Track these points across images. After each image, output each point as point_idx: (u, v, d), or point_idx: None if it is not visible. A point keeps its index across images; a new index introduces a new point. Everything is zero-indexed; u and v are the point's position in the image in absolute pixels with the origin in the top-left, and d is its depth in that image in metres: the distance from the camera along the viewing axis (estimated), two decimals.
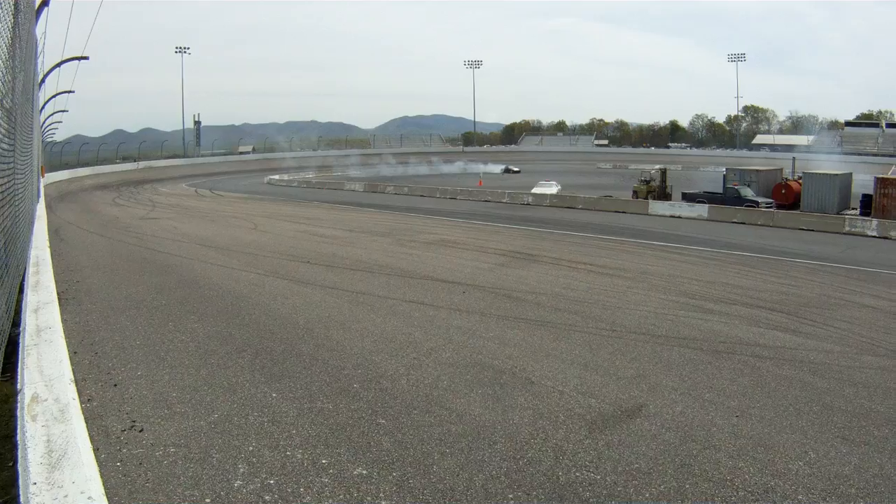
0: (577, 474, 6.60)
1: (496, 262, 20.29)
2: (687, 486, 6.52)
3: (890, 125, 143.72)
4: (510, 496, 6.12)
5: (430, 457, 6.78)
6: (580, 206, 47.72)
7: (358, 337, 11.30)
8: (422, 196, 56.56)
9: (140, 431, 7.29)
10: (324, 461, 6.63)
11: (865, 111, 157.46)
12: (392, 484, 6.24)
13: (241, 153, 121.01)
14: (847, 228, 37.39)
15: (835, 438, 7.93)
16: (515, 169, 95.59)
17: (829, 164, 77.69)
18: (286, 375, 9.27)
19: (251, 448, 6.92)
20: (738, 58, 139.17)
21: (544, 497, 6.15)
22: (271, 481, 6.27)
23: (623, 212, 45.13)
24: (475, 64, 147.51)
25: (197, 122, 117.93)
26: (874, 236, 35.86)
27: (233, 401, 8.26)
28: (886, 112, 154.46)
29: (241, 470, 6.47)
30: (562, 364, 10.22)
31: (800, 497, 6.44)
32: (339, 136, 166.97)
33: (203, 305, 13.52)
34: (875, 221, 37.71)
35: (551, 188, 58.12)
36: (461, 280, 16.89)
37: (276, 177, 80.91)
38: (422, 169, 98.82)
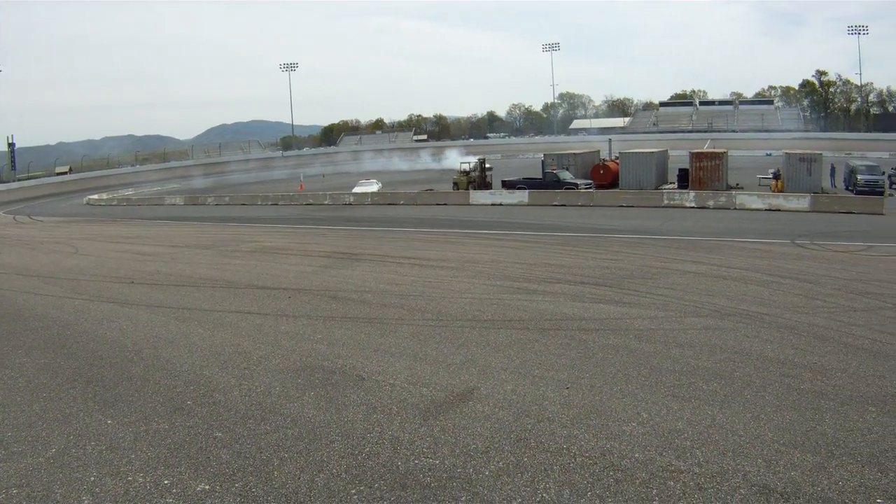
0: (416, 462, 6.77)
1: (321, 265, 20.46)
2: (525, 460, 6.74)
3: (703, 103, 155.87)
4: (353, 492, 6.22)
5: (270, 463, 6.85)
6: (402, 202, 48.71)
7: (187, 353, 11.11)
8: (243, 205, 56.73)
9: None
10: (166, 482, 6.58)
11: (679, 91, 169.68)
12: (235, 495, 6.27)
13: (58, 174, 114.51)
14: (666, 202, 40.11)
15: (665, 397, 8.42)
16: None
17: (645, 143, 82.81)
18: (119, 400, 8.96)
19: (92, 478, 6.67)
20: (552, 47, 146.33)
21: (386, 488, 6.26)
22: None
23: (445, 204, 46.52)
24: (291, 67, 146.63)
25: (11, 145, 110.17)
26: (692, 207, 38.74)
27: (69, 433, 7.88)
28: (700, 91, 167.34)
29: (86, 502, 6.23)
30: (391, 358, 10.41)
31: (636, 455, 6.77)
32: (157, 150, 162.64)
33: (29, 338, 12.70)
34: (692, 193, 40.70)
35: (372, 186, 58.96)
36: (286, 285, 16.89)
37: (96, 196, 78.42)
38: (242, 177, 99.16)
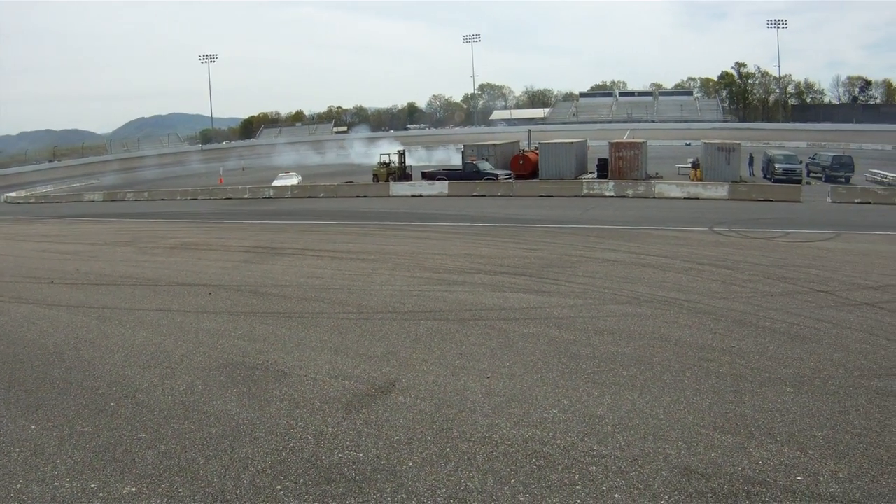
0: (340, 455, 6.82)
1: (241, 260, 20.25)
2: (448, 450, 6.81)
3: (623, 94, 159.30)
4: (278, 487, 6.26)
5: (196, 462, 6.85)
6: (322, 195, 48.65)
7: (109, 354, 10.89)
8: (163, 200, 55.99)
9: None
10: (92, 485, 6.53)
11: (599, 82, 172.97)
12: (162, 496, 6.26)
13: None
14: (585, 191, 40.83)
15: (586, 384, 8.56)
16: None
17: (565, 133, 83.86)
18: (42, 404, 8.78)
19: (19, 486, 6.59)
20: (473, 38, 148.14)
21: (311, 482, 6.30)
22: None
23: (365, 196, 46.52)
24: (210, 58, 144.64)
25: None
26: (612, 196, 39.54)
27: None
28: (620, 82, 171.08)
29: None
30: (312, 352, 10.42)
31: (558, 441, 6.87)
32: (76, 145, 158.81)
33: None
34: (612, 182, 41.53)
35: (292, 179, 58.76)
36: (207, 282, 16.65)
37: (14, 194, 76.04)
38: (162, 171, 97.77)
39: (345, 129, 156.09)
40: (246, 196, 52.24)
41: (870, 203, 35.81)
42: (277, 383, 9.06)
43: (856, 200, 36.43)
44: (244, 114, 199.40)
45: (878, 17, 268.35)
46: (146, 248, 24.92)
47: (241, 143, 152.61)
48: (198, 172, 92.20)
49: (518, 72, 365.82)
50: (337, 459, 6.72)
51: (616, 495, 5.85)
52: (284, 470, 6.56)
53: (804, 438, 6.87)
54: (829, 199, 36.69)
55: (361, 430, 7.40)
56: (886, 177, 48.77)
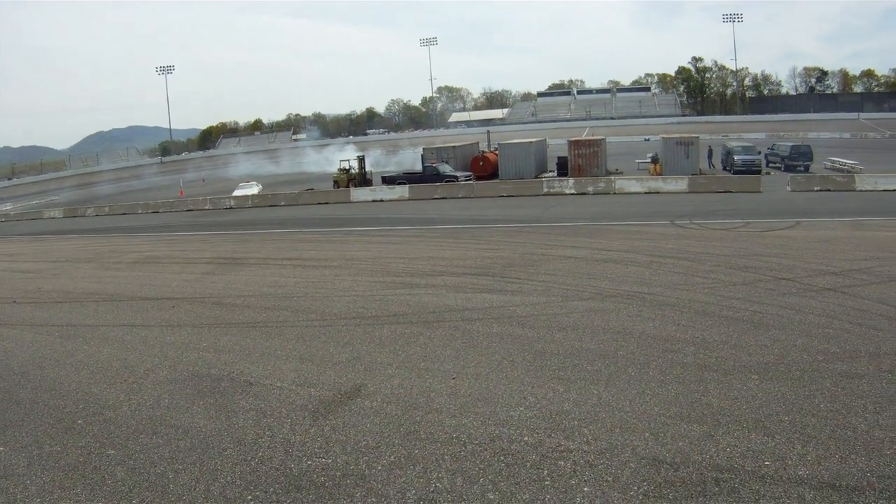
0: (309, 462, 6.84)
1: (203, 272, 20.12)
2: (416, 452, 6.83)
3: (581, 92, 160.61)
4: (249, 497, 6.29)
5: (165, 477, 6.84)
6: (283, 203, 48.59)
7: (74, 371, 10.81)
8: (124, 214, 55.54)
9: None
10: None
11: (557, 81, 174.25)
12: None
13: None
14: (546, 190, 41.07)
15: (551, 380, 8.59)
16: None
17: (524, 133, 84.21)
18: (10, 425, 8.72)
19: None
20: (430, 42, 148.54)
21: (281, 491, 6.31)
22: None
23: (326, 203, 46.64)
24: (167, 69, 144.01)
25: None
26: (572, 194, 39.84)
27: None
28: (578, 81, 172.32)
29: None
30: (277, 361, 10.41)
31: (525, 439, 6.89)
32: (34, 161, 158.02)
33: None
34: (572, 180, 41.80)
35: (252, 188, 58.53)
36: (170, 295, 16.51)
37: None
38: (122, 185, 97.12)
39: (304, 136, 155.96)
40: (207, 207, 51.93)
41: (829, 190, 36.37)
42: (244, 393, 9.04)
43: (815, 188, 37.00)
44: (203, 124, 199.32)
45: (832, 8, 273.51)
46: (108, 263, 24.70)
47: (200, 153, 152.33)
48: (158, 185, 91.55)
49: (476, 73, 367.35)
50: (306, 467, 6.73)
51: (585, 489, 5.88)
52: (254, 480, 6.56)
53: (770, 424, 6.95)
54: (788, 189, 37.20)
55: (329, 436, 7.40)
56: (845, 164, 49.58)
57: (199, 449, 7.38)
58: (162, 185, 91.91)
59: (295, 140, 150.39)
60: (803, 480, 5.83)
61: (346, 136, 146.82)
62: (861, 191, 35.91)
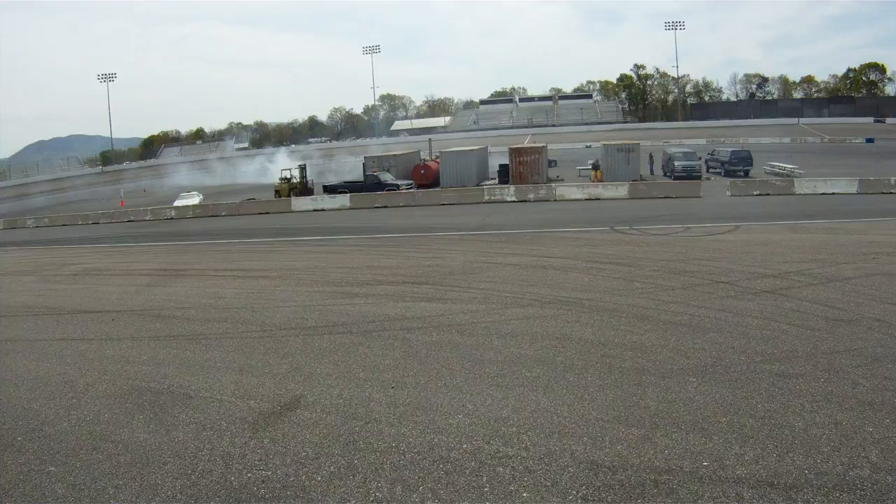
0: (249, 475, 6.79)
1: (143, 284, 19.79)
2: (356, 462, 6.81)
3: (523, 100, 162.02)
4: None
5: (105, 493, 6.76)
6: (224, 213, 48.35)
7: (13, 387, 10.58)
8: (64, 225, 54.55)
9: None
10: None
11: (499, 89, 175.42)
12: None
13: None
14: (487, 197, 41.38)
15: (490, 387, 8.62)
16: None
17: (466, 141, 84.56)
18: None
19: None
20: (372, 50, 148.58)
21: None
22: None
23: (267, 213, 46.54)
24: (109, 77, 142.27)
25: None
26: (513, 201, 40.23)
27: None
28: (520, 88, 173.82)
29: None
30: (217, 373, 10.30)
31: (464, 446, 6.90)
32: None
33: None
34: (513, 188, 42.18)
35: (193, 199, 58.01)
36: (110, 308, 16.23)
37: None
38: (62, 196, 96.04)
39: (246, 145, 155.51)
40: (147, 218, 51.46)
41: (769, 194, 37.30)
42: (183, 407, 8.94)
43: (755, 193, 37.90)
44: (144, 133, 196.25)
45: (772, 14, 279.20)
46: (48, 276, 24.22)
47: (141, 163, 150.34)
48: (98, 196, 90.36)
49: (418, 81, 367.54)
50: (246, 479, 6.69)
51: (524, 494, 5.90)
52: (195, 493, 6.50)
53: (708, 425, 7.07)
54: (728, 193, 38.03)
55: (269, 448, 7.36)
56: (784, 168, 50.78)
57: (140, 464, 7.29)
58: (102, 195, 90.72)
59: (238, 149, 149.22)
60: (741, 480, 5.93)
61: (288, 145, 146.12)
62: (800, 194, 36.97)
